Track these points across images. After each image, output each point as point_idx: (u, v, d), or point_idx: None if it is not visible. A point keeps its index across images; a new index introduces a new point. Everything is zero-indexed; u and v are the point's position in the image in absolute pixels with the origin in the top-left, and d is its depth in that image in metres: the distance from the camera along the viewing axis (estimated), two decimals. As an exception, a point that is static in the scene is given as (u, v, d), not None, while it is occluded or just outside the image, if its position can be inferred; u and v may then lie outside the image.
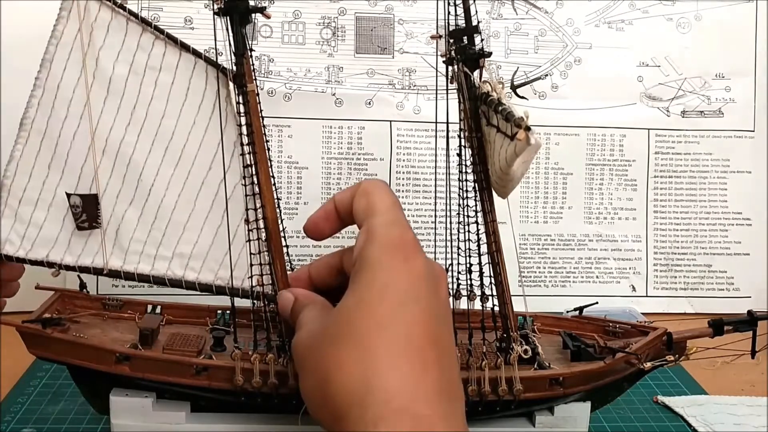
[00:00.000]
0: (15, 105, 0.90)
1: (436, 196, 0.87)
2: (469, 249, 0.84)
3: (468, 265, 0.84)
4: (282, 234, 0.87)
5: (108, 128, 0.86)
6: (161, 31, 0.86)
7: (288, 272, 0.85)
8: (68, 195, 0.87)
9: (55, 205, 0.88)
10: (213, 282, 0.88)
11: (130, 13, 0.86)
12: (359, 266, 0.69)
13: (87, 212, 0.87)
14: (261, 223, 0.85)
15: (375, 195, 0.74)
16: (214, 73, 0.86)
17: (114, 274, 0.88)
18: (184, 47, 0.86)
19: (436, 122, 0.87)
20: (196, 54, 0.86)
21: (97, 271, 0.88)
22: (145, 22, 0.86)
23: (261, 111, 0.85)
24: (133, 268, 0.88)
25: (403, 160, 1.29)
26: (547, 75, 1.32)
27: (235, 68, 0.83)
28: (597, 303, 0.99)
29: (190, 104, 0.86)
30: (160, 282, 0.88)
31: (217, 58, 0.86)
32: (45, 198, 0.88)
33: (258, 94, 0.85)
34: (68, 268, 0.88)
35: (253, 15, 0.83)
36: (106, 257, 0.88)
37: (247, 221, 0.84)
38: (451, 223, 0.85)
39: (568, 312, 0.99)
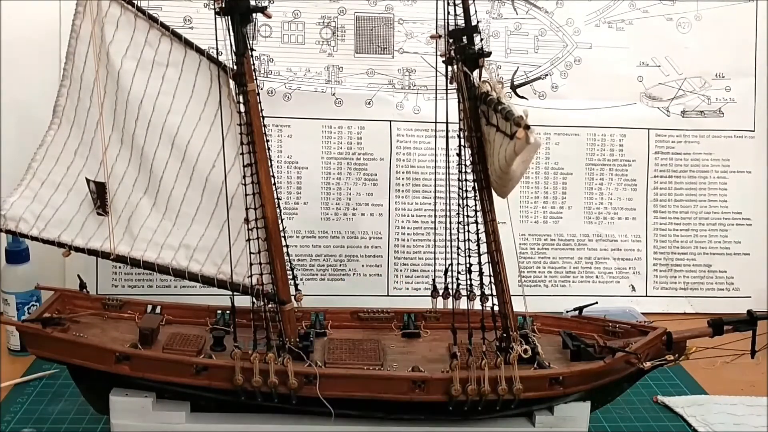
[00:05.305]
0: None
1: (435, 196, 0.87)
2: (469, 249, 0.84)
3: (468, 265, 0.84)
4: (282, 234, 0.88)
5: (122, 119, 0.89)
6: (167, 28, 0.87)
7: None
8: (88, 181, 0.90)
9: (75, 189, 0.91)
10: (215, 275, 0.89)
11: (138, 9, 0.87)
12: None
13: (100, 199, 0.89)
14: (261, 223, 0.85)
15: None
16: (216, 71, 0.87)
17: (121, 259, 0.90)
18: (188, 44, 0.87)
19: (435, 122, 0.87)
20: (199, 51, 0.87)
21: (105, 255, 0.90)
22: (152, 19, 0.87)
23: (261, 111, 0.85)
24: (139, 255, 0.89)
25: (403, 160, 1.29)
26: (547, 75, 1.31)
27: (235, 67, 0.83)
28: (597, 303, 0.99)
29: (196, 101, 0.88)
30: (164, 271, 0.89)
31: (217, 57, 0.87)
32: (67, 183, 0.91)
33: (258, 94, 0.85)
34: (78, 249, 0.91)
35: (253, 15, 0.83)
36: (114, 243, 0.89)
37: (246, 221, 0.84)
38: (450, 222, 0.85)
39: (568, 312, 0.99)
